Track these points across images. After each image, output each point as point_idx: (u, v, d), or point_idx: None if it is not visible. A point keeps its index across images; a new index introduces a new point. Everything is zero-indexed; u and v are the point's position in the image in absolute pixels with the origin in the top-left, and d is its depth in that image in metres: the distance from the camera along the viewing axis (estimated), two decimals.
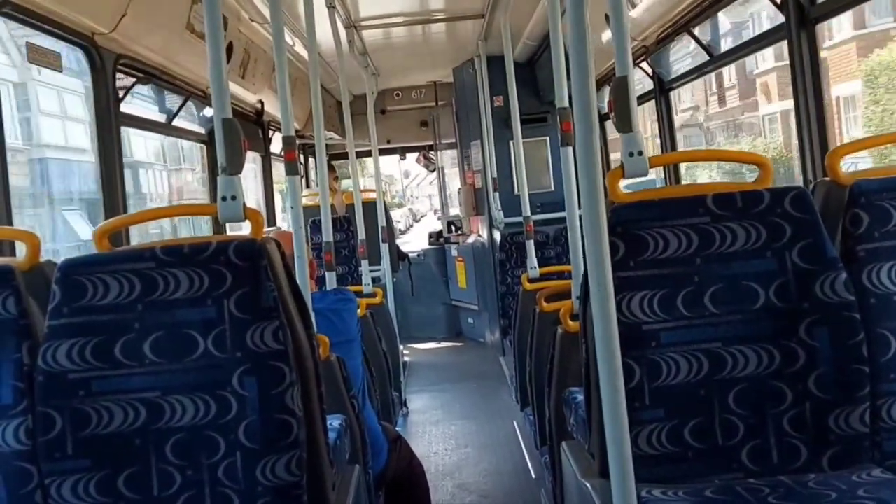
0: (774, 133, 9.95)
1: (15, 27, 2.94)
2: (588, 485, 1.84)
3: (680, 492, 1.65)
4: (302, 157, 8.12)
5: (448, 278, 8.46)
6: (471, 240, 7.88)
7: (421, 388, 6.32)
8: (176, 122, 4.38)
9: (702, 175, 7.32)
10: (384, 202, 6.25)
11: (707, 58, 4.14)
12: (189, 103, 4.42)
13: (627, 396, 1.52)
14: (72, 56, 3.14)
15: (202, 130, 4.81)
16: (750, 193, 1.79)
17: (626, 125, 1.67)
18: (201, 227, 5.78)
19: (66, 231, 5.27)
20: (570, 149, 2.95)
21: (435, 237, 8.71)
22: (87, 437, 1.67)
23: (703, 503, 1.61)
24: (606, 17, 4.02)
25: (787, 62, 3.09)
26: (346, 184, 8.82)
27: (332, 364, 2.49)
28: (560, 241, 5.68)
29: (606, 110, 3.43)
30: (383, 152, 8.14)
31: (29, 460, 1.68)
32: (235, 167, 1.81)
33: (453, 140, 8.28)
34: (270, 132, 6.21)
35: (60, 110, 5.47)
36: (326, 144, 3.68)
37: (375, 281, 5.25)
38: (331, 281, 3.58)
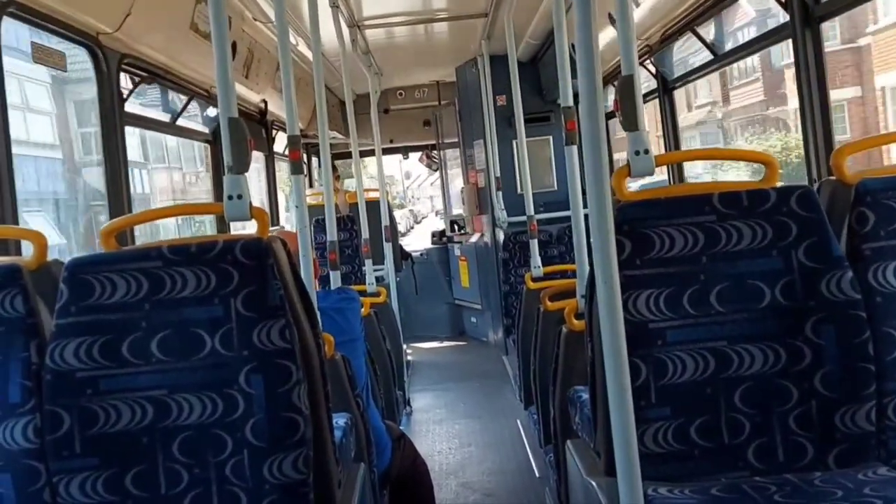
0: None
1: None
2: (594, 483, 1.84)
3: (686, 490, 1.65)
4: (305, 156, 8.13)
5: (451, 277, 8.46)
6: (474, 239, 7.88)
7: (424, 386, 6.32)
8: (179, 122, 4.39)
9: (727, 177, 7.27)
10: (387, 201, 6.25)
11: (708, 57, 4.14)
12: (192, 103, 4.43)
13: (634, 395, 1.52)
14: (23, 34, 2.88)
15: (206, 130, 4.82)
16: (756, 192, 1.79)
17: (631, 124, 1.68)
18: (197, 227, 5.74)
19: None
20: (575, 148, 2.95)
21: (438, 236, 8.71)
22: (95, 435, 1.68)
23: (709, 501, 1.61)
24: (610, 16, 4.03)
25: (825, 49, 3.07)
26: (348, 183, 8.83)
27: (338, 363, 2.49)
28: (563, 240, 5.69)
29: (610, 109, 3.43)
30: (386, 152, 8.14)
31: (37, 458, 1.68)
32: (241, 166, 1.82)
33: (456, 139, 8.28)
34: (274, 132, 6.22)
35: (21, 101, 5.13)
36: (329, 144, 3.68)
37: (379, 280, 5.26)
38: (335, 280, 3.59)
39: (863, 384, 1.73)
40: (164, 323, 1.70)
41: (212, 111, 4.72)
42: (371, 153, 6.60)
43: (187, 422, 1.68)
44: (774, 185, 1.83)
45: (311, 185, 8.21)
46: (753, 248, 1.77)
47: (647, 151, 1.70)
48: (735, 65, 3.36)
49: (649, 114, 4.99)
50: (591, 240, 1.53)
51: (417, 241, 9.62)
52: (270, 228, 1.90)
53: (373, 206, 5.87)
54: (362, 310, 3.15)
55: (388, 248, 6.02)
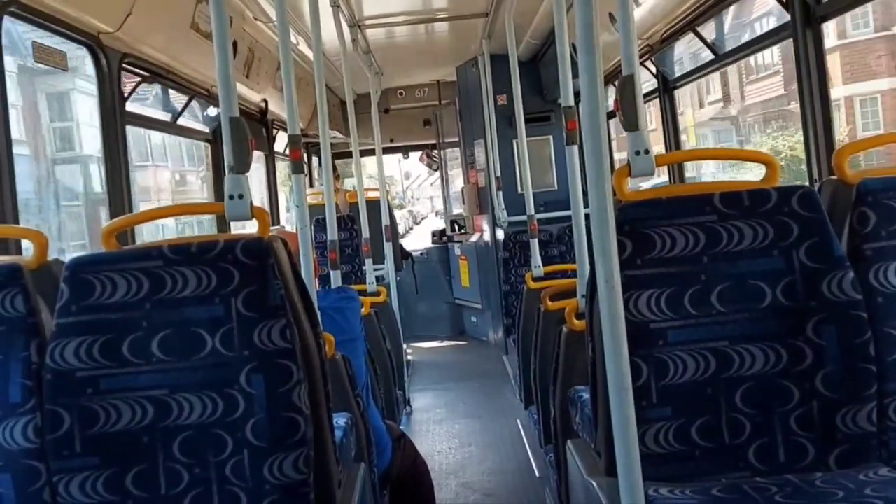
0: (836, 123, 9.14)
1: None
2: (594, 483, 1.84)
3: (687, 490, 1.65)
4: (305, 156, 8.13)
5: (451, 277, 8.46)
6: (474, 238, 7.88)
7: (424, 386, 6.32)
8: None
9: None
10: (388, 201, 6.26)
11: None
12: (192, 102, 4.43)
13: (634, 395, 1.52)
14: None
15: (206, 129, 4.82)
16: (757, 192, 1.79)
17: (632, 124, 1.67)
18: (183, 228, 5.66)
19: None
20: (575, 147, 2.95)
21: (438, 236, 8.71)
22: (95, 434, 1.68)
23: (710, 502, 1.61)
24: (611, 15, 4.03)
25: (853, 39, 3.05)
26: (348, 182, 8.83)
27: (338, 362, 2.49)
28: (563, 239, 5.69)
29: (611, 109, 3.43)
30: (387, 151, 8.15)
31: (37, 458, 1.68)
32: (242, 166, 1.82)
33: (457, 139, 8.28)
34: (274, 131, 6.22)
35: None
36: (330, 143, 3.68)
37: (379, 279, 5.26)
38: (335, 279, 3.59)
39: (864, 385, 1.73)
40: (164, 322, 1.70)
41: (212, 111, 4.72)
42: (371, 153, 6.61)
43: (188, 421, 1.68)
44: (775, 185, 1.83)
45: (311, 185, 8.20)
46: (754, 248, 1.77)
47: (647, 151, 1.70)
48: (752, 58, 3.30)
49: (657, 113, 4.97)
50: (592, 240, 1.53)
51: (416, 243, 9.59)
52: (271, 228, 1.90)
53: (373, 205, 5.87)
54: (362, 309, 3.15)
55: (388, 247, 6.02)
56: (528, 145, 4.97)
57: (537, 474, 4.03)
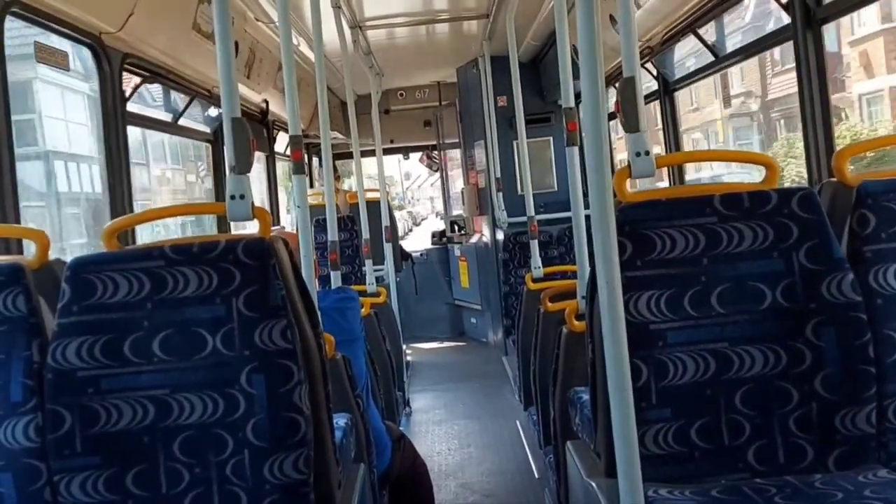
0: (876, 118, 7.93)
1: None
2: (594, 484, 1.84)
3: (686, 491, 1.66)
4: (306, 156, 8.14)
5: (451, 278, 8.46)
6: (474, 239, 7.88)
7: (424, 387, 6.32)
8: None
9: None
10: (388, 202, 6.26)
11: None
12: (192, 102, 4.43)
13: (634, 396, 1.52)
14: None
15: (208, 130, 4.82)
16: (757, 194, 1.80)
17: (632, 125, 1.68)
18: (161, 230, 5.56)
19: None
20: (576, 149, 2.95)
21: (438, 237, 8.72)
22: (96, 434, 1.68)
23: (709, 503, 1.61)
24: (611, 17, 4.04)
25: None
26: (348, 183, 8.83)
27: (338, 363, 2.50)
28: (563, 240, 5.69)
29: (611, 110, 3.43)
30: (387, 152, 8.16)
31: (38, 457, 1.69)
32: (244, 166, 1.82)
33: (457, 140, 8.29)
34: (275, 132, 6.22)
35: None
36: (330, 144, 3.69)
37: (379, 280, 5.26)
38: (336, 280, 3.59)
39: (863, 386, 1.73)
40: (165, 322, 1.70)
41: (213, 111, 4.72)
42: (372, 153, 6.61)
43: (188, 421, 1.69)
44: (775, 187, 1.84)
45: (311, 186, 8.21)
46: (754, 249, 1.78)
47: (647, 153, 1.70)
48: (776, 49, 3.23)
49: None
50: (593, 241, 1.54)
51: (416, 245, 9.59)
52: (271, 228, 1.90)
53: (373, 206, 5.87)
54: (362, 310, 3.15)
55: (388, 248, 6.02)
56: (529, 146, 4.97)
57: (536, 475, 4.04)
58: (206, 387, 1.69)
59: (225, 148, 1.85)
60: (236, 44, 4.43)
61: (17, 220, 2.48)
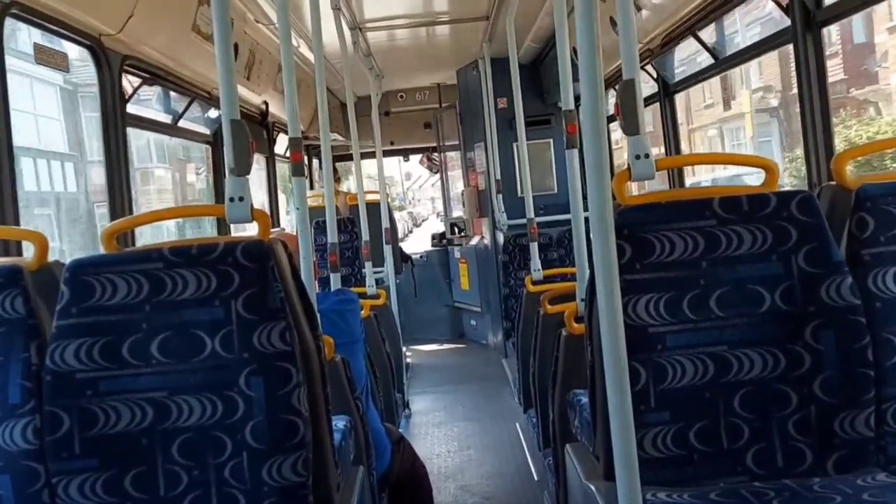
0: None
1: None
2: (592, 487, 1.84)
3: (685, 495, 1.65)
4: (306, 158, 8.14)
5: (451, 280, 8.46)
6: (474, 241, 7.88)
7: (423, 389, 6.32)
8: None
9: None
10: (388, 204, 6.27)
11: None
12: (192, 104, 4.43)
13: (633, 399, 1.52)
14: None
15: (207, 131, 4.82)
16: (756, 197, 1.80)
17: (632, 128, 1.68)
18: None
19: None
20: (576, 151, 2.95)
21: (438, 239, 8.72)
22: (95, 436, 1.68)
23: None
24: (611, 19, 4.04)
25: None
26: (346, 185, 8.82)
27: (337, 365, 2.50)
28: (563, 243, 5.69)
29: (611, 113, 3.43)
30: (387, 154, 8.16)
31: (36, 459, 1.68)
32: (243, 168, 1.82)
33: (457, 142, 8.29)
34: (275, 133, 6.22)
35: None
36: (330, 146, 3.69)
37: (379, 282, 5.26)
38: (335, 282, 3.59)
39: (862, 390, 1.73)
40: (164, 324, 1.70)
41: (213, 113, 4.73)
42: (372, 155, 6.61)
43: (187, 423, 1.69)
44: (775, 190, 1.84)
45: (311, 187, 8.21)
46: (753, 252, 1.78)
47: (647, 155, 1.70)
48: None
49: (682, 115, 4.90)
50: (592, 243, 1.54)
51: (415, 247, 9.58)
52: (272, 230, 1.90)
53: (373, 208, 5.88)
54: (362, 312, 3.15)
55: (387, 250, 6.02)
56: (529, 149, 4.97)
57: (536, 478, 4.03)
58: (204, 389, 1.69)
59: (224, 150, 1.85)
60: (236, 45, 4.43)
61: (17, 222, 2.48)
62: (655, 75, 4.78)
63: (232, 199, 1.81)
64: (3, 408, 1.69)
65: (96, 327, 1.70)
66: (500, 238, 6.40)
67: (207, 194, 4.76)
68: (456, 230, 8.38)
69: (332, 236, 3.62)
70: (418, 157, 9.86)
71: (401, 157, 10.07)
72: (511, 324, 5.56)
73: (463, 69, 7.52)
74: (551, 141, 7.03)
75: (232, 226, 2.44)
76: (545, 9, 5.13)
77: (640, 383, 1.73)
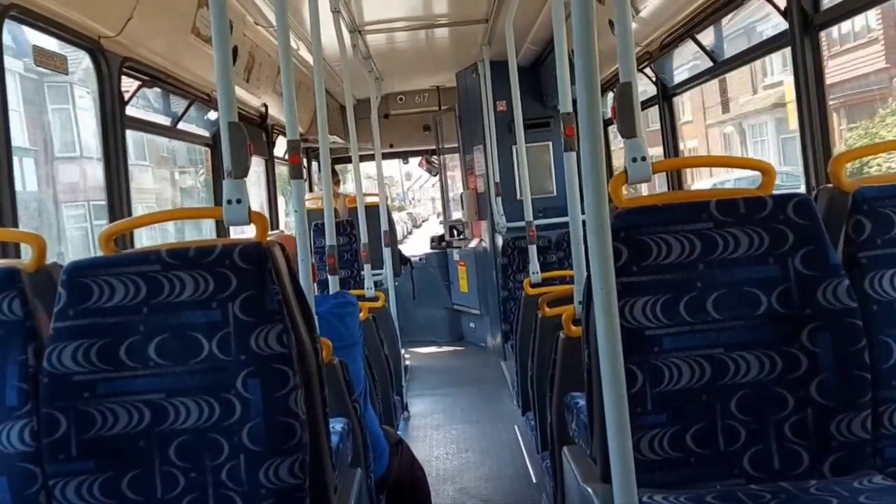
0: None
1: None
2: (589, 489, 1.84)
3: (681, 497, 1.66)
4: (305, 161, 8.14)
5: (450, 282, 8.46)
6: (473, 244, 7.88)
7: (422, 392, 6.32)
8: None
9: None
10: (387, 206, 6.27)
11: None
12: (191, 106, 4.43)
13: (630, 401, 1.52)
14: None
15: (206, 134, 4.82)
16: (753, 200, 1.80)
17: (629, 130, 1.68)
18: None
19: None
20: (574, 154, 2.95)
21: (437, 241, 8.73)
22: (92, 438, 1.68)
23: None
24: (610, 22, 4.04)
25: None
26: (348, 186, 8.83)
27: (335, 367, 2.50)
28: (562, 245, 5.69)
29: (609, 116, 3.43)
30: (386, 156, 8.17)
31: (33, 462, 1.68)
32: (241, 171, 1.82)
33: (456, 144, 8.29)
34: (274, 136, 6.23)
35: None
36: (329, 148, 3.69)
37: (377, 285, 5.26)
38: (334, 284, 3.59)
39: (858, 392, 1.73)
40: (162, 327, 1.70)
41: (212, 115, 4.73)
42: (371, 158, 6.62)
43: (184, 426, 1.69)
44: (771, 193, 1.84)
45: (310, 190, 8.21)
46: (750, 255, 1.78)
47: (644, 158, 1.70)
48: (834, 28, 3.05)
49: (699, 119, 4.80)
50: (589, 246, 1.54)
51: (414, 249, 9.57)
52: (270, 233, 1.90)
53: (372, 210, 5.88)
54: (361, 314, 3.15)
55: (386, 252, 6.02)
56: (528, 151, 4.98)
57: (534, 480, 4.03)
58: (201, 391, 1.69)
59: (222, 152, 1.85)
60: (235, 48, 4.44)
61: (15, 224, 2.48)
62: (654, 78, 4.79)
63: (230, 202, 1.81)
64: (0, 410, 1.69)
65: (94, 329, 1.70)
66: (499, 241, 6.40)
67: (196, 194, 4.64)
68: (455, 233, 8.38)
69: (330, 239, 3.62)
70: (417, 159, 9.87)
71: (400, 161, 10.08)
72: (510, 326, 5.56)
73: (462, 72, 7.52)
74: (550, 144, 7.03)
75: (231, 228, 2.45)
76: (544, 12, 5.13)
77: (636, 386, 1.73)
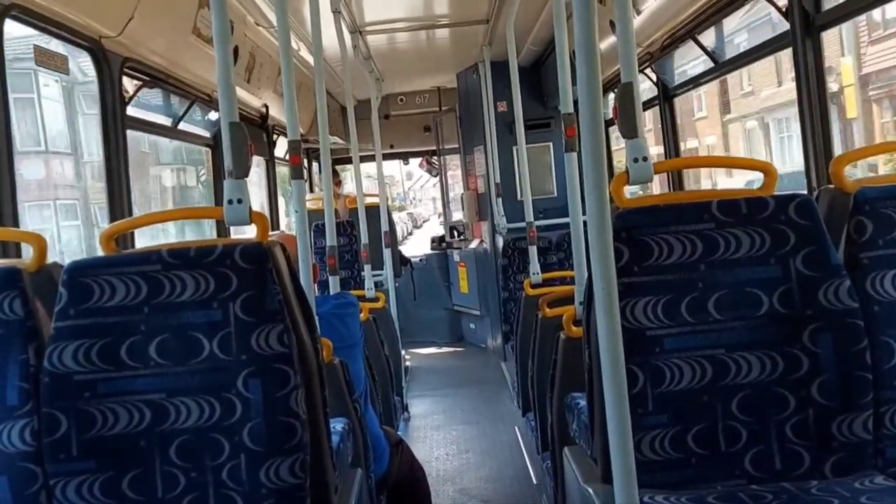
0: None
1: None
2: (590, 490, 1.84)
3: (683, 498, 1.65)
4: (306, 161, 8.14)
5: (450, 283, 8.46)
6: (473, 245, 7.88)
7: (422, 392, 6.32)
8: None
9: None
10: (387, 207, 6.27)
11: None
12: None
13: (631, 402, 1.52)
14: None
15: (207, 134, 4.82)
16: (754, 200, 1.80)
17: (630, 131, 1.68)
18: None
19: None
20: (574, 154, 2.95)
21: (437, 242, 8.73)
22: (93, 438, 1.68)
23: None
24: (611, 23, 4.05)
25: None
26: (348, 186, 8.83)
27: (336, 368, 2.50)
28: (562, 246, 5.70)
29: (610, 116, 3.43)
30: (386, 157, 8.17)
31: (34, 461, 1.68)
32: (242, 171, 1.82)
33: (456, 145, 8.30)
34: (274, 136, 6.23)
35: None
36: (330, 149, 3.69)
37: (378, 285, 5.26)
38: (334, 285, 3.59)
39: (860, 393, 1.73)
40: (162, 326, 1.70)
41: (213, 115, 4.73)
42: (371, 158, 6.62)
43: (185, 426, 1.69)
44: (773, 194, 1.84)
45: (311, 190, 8.21)
46: (752, 255, 1.78)
47: (645, 159, 1.70)
48: (872, 13, 2.86)
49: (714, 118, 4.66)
50: (590, 246, 1.54)
51: (415, 250, 9.56)
52: (271, 233, 1.90)
53: (372, 211, 5.88)
54: (361, 315, 3.15)
55: (387, 253, 6.03)
56: (529, 152, 4.98)
57: (534, 481, 4.03)
58: (202, 391, 1.69)
59: (223, 152, 1.85)
60: (236, 48, 4.44)
61: (16, 224, 2.48)
62: (655, 79, 4.79)
63: (231, 202, 1.81)
64: (0, 409, 1.69)
65: (94, 329, 1.70)
66: (500, 241, 6.40)
67: (192, 195, 4.58)
68: (455, 233, 8.38)
69: (330, 239, 3.62)
70: (418, 160, 9.87)
71: (401, 162, 10.08)
72: (510, 327, 5.56)
73: (463, 72, 7.53)
74: (551, 144, 7.03)
75: (232, 229, 2.45)
76: (545, 12, 5.14)
77: (637, 386, 1.73)
